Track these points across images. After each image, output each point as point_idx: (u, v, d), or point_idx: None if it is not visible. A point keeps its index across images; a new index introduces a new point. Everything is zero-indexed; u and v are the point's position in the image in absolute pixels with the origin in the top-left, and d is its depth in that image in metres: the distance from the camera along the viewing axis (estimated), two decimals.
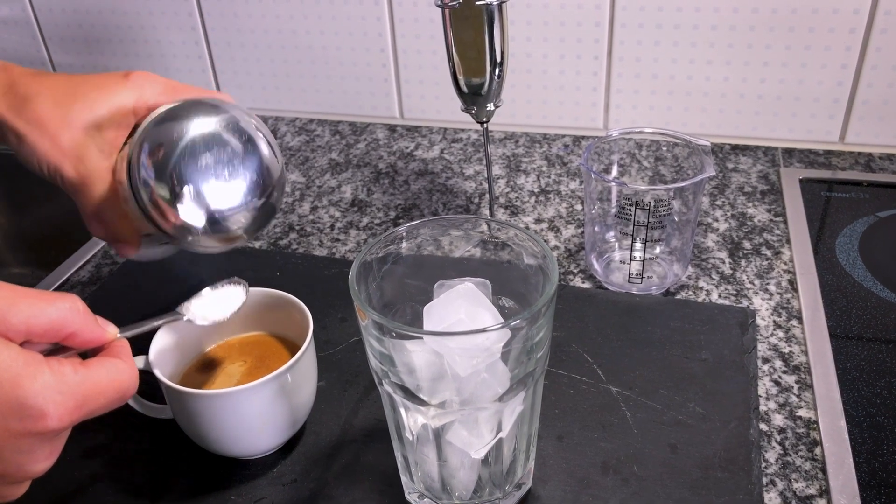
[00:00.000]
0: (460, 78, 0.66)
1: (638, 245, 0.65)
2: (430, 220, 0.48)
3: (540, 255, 0.45)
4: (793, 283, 0.68)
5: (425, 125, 1.00)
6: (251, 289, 0.54)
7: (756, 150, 0.89)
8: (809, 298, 0.65)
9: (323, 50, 0.98)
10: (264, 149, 0.48)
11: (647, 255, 0.66)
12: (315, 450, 0.54)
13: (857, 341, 0.61)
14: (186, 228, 0.46)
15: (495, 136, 0.96)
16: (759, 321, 0.64)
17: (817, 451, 0.53)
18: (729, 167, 0.86)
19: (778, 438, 0.54)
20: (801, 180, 0.82)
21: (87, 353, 0.42)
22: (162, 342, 0.52)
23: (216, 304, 0.50)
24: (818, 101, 0.86)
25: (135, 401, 0.54)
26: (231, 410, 0.49)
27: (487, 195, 0.80)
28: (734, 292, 0.67)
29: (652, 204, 0.62)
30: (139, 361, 0.49)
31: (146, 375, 0.48)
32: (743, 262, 0.71)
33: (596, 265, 0.70)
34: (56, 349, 0.40)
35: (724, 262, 0.71)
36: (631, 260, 0.66)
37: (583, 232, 0.77)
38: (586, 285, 0.69)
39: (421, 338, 0.41)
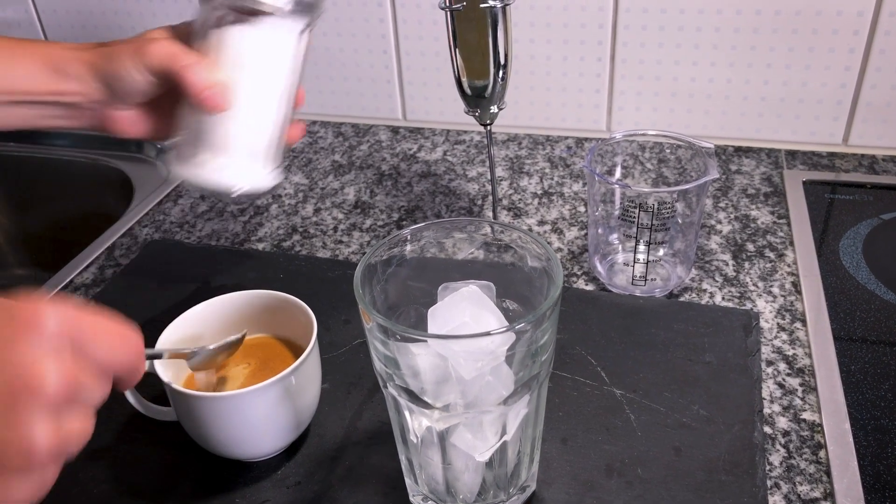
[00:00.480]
0: (464, 80, 0.66)
1: (641, 247, 0.65)
2: (433, 223, 0.48)
3: (544, 257, 0.45)
4: (796, 286, 0.68)
5: (428, 127, 1.00)
6: (254, 291, 0.54)
7: (759, 152, 0.89)
8: (813, 301, 0.65)
9: (326, 51, 0.98)
10: None
11: (651, 258, 0.66)
12: (319, 452, 0.54)
13: (861, 344, 0.61)
14: None
15: (498, 138, 0.96)
16: (762, 324, 0.64)
17: (821, 454, 0.52)
18: (732, 169, 0.86)
19: (782, 441, 0.54)
20: (804, 182, 0.82)
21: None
22: (166, 344, 0.53)
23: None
24: (821, 103, 0.86)
25: (139, 403, 0.54)
26: (235, 413, 0.49)
27: (491, 197, 0.80)
28: (738, 295, 0.67)
29: (655, 206, 0.62)
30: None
31: (151, 378, 0.48)
32: (746, 265, 0.71)
33: (599, 267, 0.69)
34: None
35: (727, 265, 0.71)
36: (634, 262, 0.66)
37: (586, 234, 0.77)
38: (590, 287, 0.69)
39: (425, 341, 0.41)
